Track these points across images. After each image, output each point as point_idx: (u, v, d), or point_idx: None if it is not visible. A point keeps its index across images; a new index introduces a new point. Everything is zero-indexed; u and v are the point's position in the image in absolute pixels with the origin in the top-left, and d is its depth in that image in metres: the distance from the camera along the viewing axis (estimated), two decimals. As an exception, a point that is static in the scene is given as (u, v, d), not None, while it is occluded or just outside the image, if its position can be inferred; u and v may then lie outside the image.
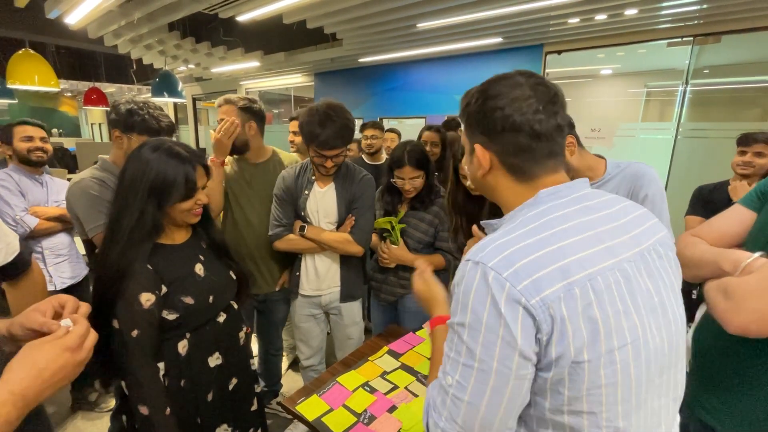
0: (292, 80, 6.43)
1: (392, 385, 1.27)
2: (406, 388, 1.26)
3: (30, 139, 1.95)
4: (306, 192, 1.63)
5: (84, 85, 8.04)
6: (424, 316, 1.76)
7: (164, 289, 1.04)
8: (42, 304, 0.60)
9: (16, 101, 6.54)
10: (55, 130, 11.56)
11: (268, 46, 4.80)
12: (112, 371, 1.03)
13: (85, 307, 0.63)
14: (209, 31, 4.89)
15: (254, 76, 6.52)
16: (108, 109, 1.49)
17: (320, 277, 1.69)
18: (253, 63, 5.09)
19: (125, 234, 1.01)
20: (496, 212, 1.80)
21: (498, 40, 3.88)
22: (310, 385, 1.31)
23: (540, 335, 0.52)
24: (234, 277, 1.25)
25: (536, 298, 0.51)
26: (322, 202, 1.63)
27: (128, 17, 3.68)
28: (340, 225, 1.65)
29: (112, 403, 2.05)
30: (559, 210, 0.60)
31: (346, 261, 1.71)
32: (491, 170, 0.67)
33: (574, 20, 3.21)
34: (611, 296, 0.54)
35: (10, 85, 3.98)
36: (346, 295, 1.72)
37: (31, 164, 1.95)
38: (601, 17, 3.11)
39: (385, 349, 1.49)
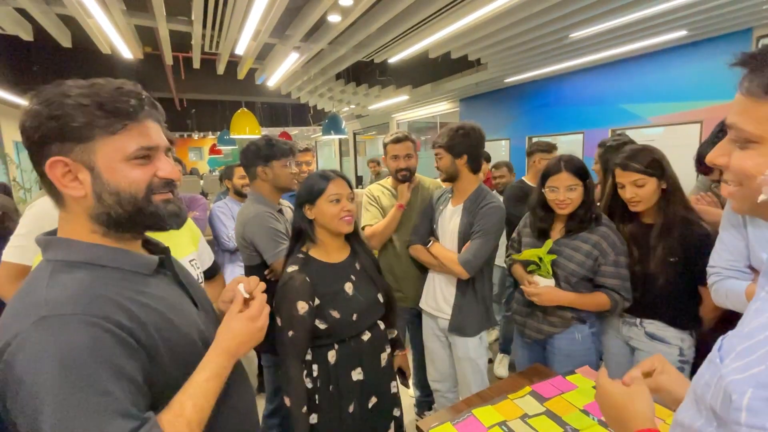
0: (438, 108, 6.71)
1: (534, 431, 1.15)
2: (551, 438, 1.12)
3: (243, 177, 2.59)
4: (441, 208, 1.76)
5: (277, 131, 10.21)
6: (577, 361, 1.53)
7: (317, 300, 1.20)
8: (229, 285, 0.85)
9: (236, 147, 8.74)
10: (257, 167, 14.93)
11: (416, 80, 5.17)
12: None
13: (262, 285, 0.84)
14: (367, 74, 5.58)
15: (404, 108, 7.08)
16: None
17: (437, 297, 1.74)
18: (403, 97, 5.55)
19: (291, 238, 1.32)
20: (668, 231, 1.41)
21: (681, 33, 3.21)
22: (446, 411, 1.30)
23: None
24: (382, 300, 1.35)
25: None
26: (449, 220, 1.72)
27: (308, 74, 4.54)
28: (460, 245, 1.67)
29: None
30: None
31: (462, 290, 1.69)
32: None
33: (803, -10, 2.42)
34: None
35: (232, 136, 5.40)
36: (455, 327, 1.68)
37: (242, 195, 2.59)
38: None
39: (528, 389, 1.36)
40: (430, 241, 1.72)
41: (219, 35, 3.52)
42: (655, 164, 1.38)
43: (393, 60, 3.82)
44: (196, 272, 1.37)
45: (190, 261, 1.31)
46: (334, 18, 2.83)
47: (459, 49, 3.61)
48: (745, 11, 2.78)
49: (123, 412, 0.54)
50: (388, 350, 1.36)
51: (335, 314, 1.22)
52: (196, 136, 11.25)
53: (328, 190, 1.26)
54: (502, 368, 2.72)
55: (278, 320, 1.19)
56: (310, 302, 1.19)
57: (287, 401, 1.17)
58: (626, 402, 0.65)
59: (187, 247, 1.35)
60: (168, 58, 3.95)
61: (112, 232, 0.66)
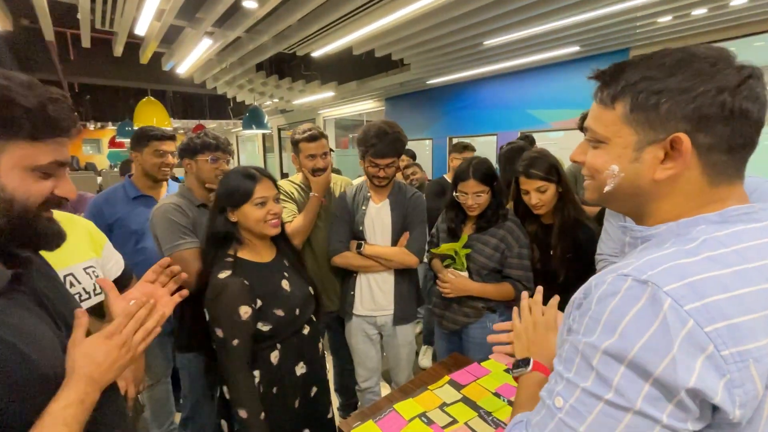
0: (365, 106, 6.74)
1: (451, 419, 1.19)
2: (466, 423, 1.17)
3: None
4: (363, 208, 1.72)
5: (192, 123, 9.36)
6: (490, 348, 1.63)
7: (259, 302, 1.13)
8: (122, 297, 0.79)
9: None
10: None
11: (342, 77, 5.11)
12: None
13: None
14: (291, 68, 5.38)
15: (330, 105, 6.98)
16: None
17: (375, 297, 1.72)
18: (328, 93, 5.45)
19: (207, 242, 1.19)
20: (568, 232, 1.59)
21: (575, 48, 3.63)
22: (367, 410, 1.29)
23: (731, 397, 0.39)
24: (312, 292, 1.33)
25: (731, 350, 0.39)
26: (378, 217, 1.71)
27: (224, 62, 4.22)
28: (394, 239, 1.70)
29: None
30: (755, 237, 0.46)
31: (399, 283, 1.73)
32: (678, 171, 0.49)
33: (665, 18, 2.88)
34: None
35: (136, 127, 4.82)
36: (399, 318, 1.74)
37: None
38: (699, 12, 2.74)
39: (447, 378, 1.41)
40: (360, 245, 1.67)
41: (113, 11, 3.10)
42: (553, 170, 1.52)
43: (317, 54, 3.72)
44: (93, 281, 1.20)
45: (85, 269, 1.15)
46: (249, 4, 2.66)
47: (382, 48, 3.65)
48: (622, 33, 3.23)
49: None
50: (322, 339, 1.37)
51: (279, 312, 1.16)
52: (92, 126, 9.84)
53: (255, 193, 1.17)
54: (426, 359, 2.81)
55: (218, 332, 1.09)
56: (253, 305, 1.11)
57: (242, 414, 1.07)
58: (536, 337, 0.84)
59: (85, 253, 1.18)
60: (48, 34, 3.37)
61: None
